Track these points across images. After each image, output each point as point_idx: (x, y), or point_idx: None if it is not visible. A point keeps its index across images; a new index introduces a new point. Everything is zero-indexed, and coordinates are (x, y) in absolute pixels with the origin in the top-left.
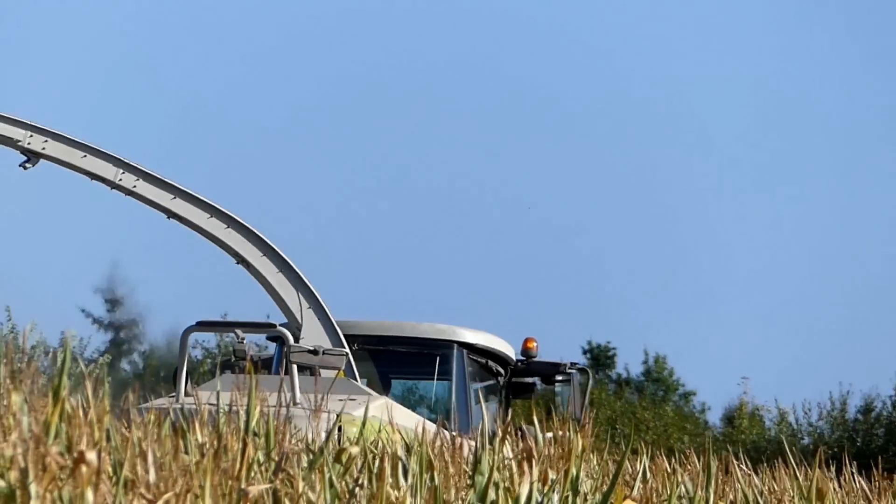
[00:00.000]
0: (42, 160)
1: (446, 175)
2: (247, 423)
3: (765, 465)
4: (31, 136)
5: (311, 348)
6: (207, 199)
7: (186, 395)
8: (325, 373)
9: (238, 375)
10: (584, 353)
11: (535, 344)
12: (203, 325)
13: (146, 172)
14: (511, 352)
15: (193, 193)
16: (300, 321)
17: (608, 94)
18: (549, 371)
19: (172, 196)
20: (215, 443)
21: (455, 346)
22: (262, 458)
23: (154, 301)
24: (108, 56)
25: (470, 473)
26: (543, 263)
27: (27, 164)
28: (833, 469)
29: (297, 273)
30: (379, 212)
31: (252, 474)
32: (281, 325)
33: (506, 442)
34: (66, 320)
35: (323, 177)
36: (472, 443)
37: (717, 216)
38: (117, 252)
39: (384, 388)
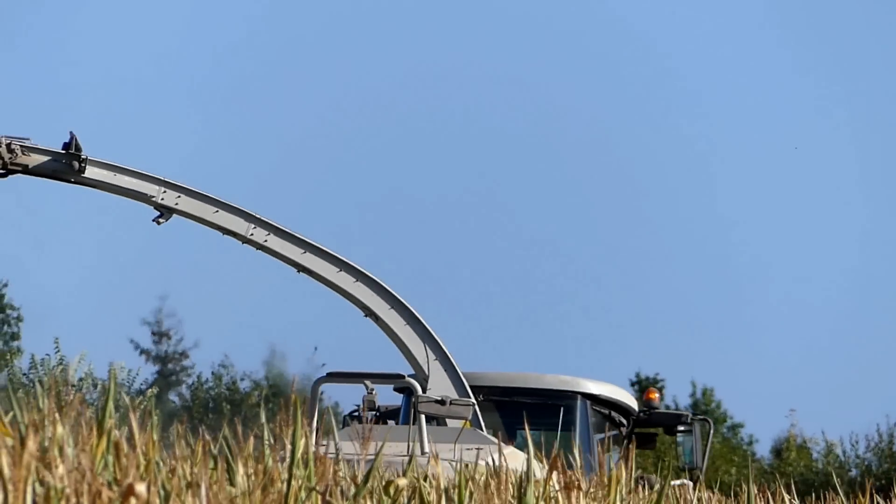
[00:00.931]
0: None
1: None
2: (292, 454)
3: (813, 497)
4: (165, 191)
5: (439, 398)
6: (336, 253)
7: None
8: (451, 423)
9: (366, 426)
10: (632, 384)
11: (656, 395)
12: (333, 377)
13: (276, 227)
14: (633, 402)
15: (323, 248)
16: (427, 373)
17: (656, 131)
18: (671, 421)
19: (303, 250)
20: (261, 475)
21: (579, 397)
22: (304, 493)
23: (201, 334)
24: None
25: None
26: (592, 295)
27: (160, 220)
28: (881, 501)
29: (423, 325)
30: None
31: None
32: (409, 376)
33: (553, 474)
34: (115, 352)
35: (443, 231)
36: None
37: (765, 248)
38: (165, 285)
39: (509, 439)
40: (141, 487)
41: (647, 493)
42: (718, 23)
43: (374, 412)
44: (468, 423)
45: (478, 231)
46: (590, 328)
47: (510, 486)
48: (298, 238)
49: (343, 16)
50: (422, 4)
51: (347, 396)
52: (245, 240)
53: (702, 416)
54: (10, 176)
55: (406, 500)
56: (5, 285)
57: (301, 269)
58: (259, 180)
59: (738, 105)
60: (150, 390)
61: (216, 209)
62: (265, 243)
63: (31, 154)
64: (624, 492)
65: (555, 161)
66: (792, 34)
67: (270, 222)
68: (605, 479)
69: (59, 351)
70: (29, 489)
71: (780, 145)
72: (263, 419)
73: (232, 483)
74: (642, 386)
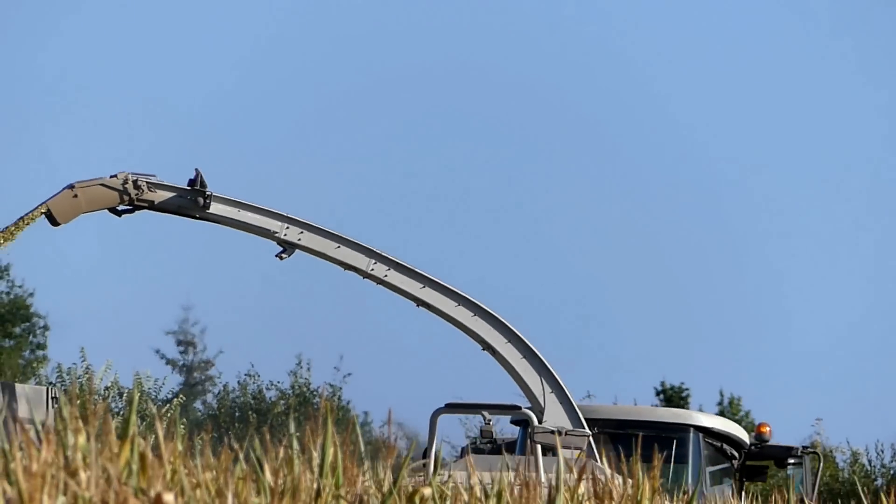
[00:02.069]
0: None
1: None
2: (321, 463)
3: None
4: (288, 227)
5: (554, 429)
6: (455, 287)
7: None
8: (566, 454)
9: (486, 456)
10: (657, 393)
11: (768, 429)
12: (451, 407)
13: (396, 262)
14: (745, 436)
15: (441, 282)
16: (543, 405)
17: (680, 139)
18: (782, 454)
19: (422, 285)
20: (288, 482)
21: (692, 430)
22: (331, 500)
23: (225, 343)
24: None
25: None
26: (619, 304)
27: (283, 255)
28: None
29: (539, 359)
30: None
31: None
32: (525, 408)
33: (581, 484)
34: (141, 361)
35: (465, 231)
36: None
37: (790, 256)
38: (189, 295)
39: (622, 471)
40: (169, 497)
41: None
42: (736, 24)
43: (490, 442)
44: (583, 453)
45: (507, 236)
46: (616, 337)
47: (539, 499)
48: (417, 273)
49: (343, 16)
50: (429, 5)
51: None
52: (366, 275)
53: (812, 450)
54: (136, 212)
55: None
56: (31, 294)
57: (420, 303)
58: (306, 185)
59: (764, 114)
60: (175, 399)
61: (338, 245)
62: (385, 278)
63: (156, 190)
64: None
65: (577, 169)
66: (809, 31)
67: (391, 258)
68: None
69: (84, 360)
70: (46, 498)
71: (806, 153)
72: (293, 428)
73: (259, 492)
74: (667, 395)
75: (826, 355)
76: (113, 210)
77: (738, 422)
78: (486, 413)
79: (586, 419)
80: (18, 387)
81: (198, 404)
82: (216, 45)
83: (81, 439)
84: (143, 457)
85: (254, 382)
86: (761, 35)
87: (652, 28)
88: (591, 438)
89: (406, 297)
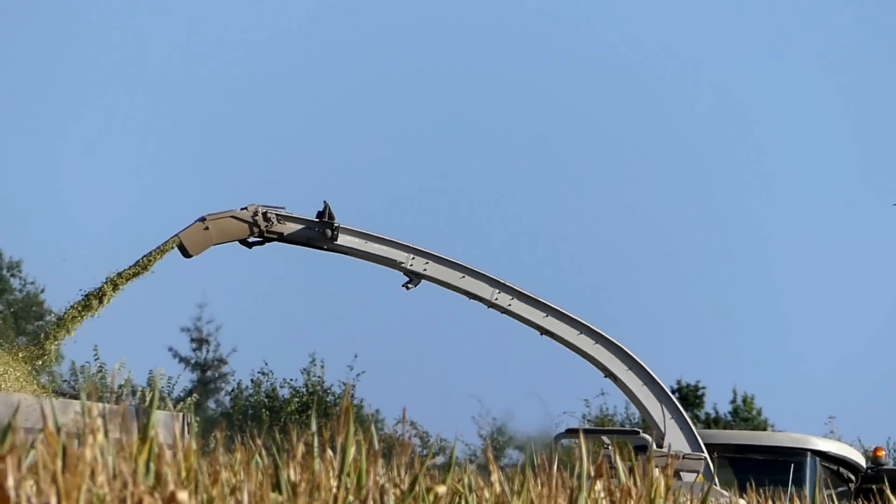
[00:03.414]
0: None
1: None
2: (341, 462)
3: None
4: (414, 258)
5: (672, 453)
6: (576, 316)
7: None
8: (685, 477)
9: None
10: (673, 392)
11: (884, 452)
12: (572, 433)
13: (520, 292)
14: (861, 459)
15: (563, 311)
16: (663, 430)
17: (695, 138)
18: None
19: (544, 314)
20: (308, 481)
21: (809, 454)
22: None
23: (239, 341)
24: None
25: None
26: (633, 302)
27: (409, 285)
28: None
29: (659, 385)
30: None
31: None
32: (645, 432)
33: (598, 482)
34: (154, 359)
35: (480, 236)
36: None
37: (805, 255)
38: (203, 292)
39: (741, 494)
40: (183, 495)
41: None
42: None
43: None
44: (701, 477)
45: (517, 236)
46: (631, 336)
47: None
48: (540, 302)
49: (344, 17)
50: (436, 7)
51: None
52: (490, 304)
53: None
54: (266, 244)
55: None
56: (43, 291)
57: (543, 331)
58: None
59: (778, 114)
60: (189, 398)
61: (462, 275)
62: (509, 307)
63: (285, 222)
64: None
65: (591, 167)
66: (809, 29)
67: (514, 287)
68: None
69: (98, 358)
70: (83, 497)
71: (820, 152)
72: (314, 427)
73: (278, 490)
74: (683, 393)
75: (841, 354)
76: (243, 241)
77: (752, 420)
78: (605, 438)
79: (706, 444)
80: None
81: (211, 403)
82: (216, 46)
83: (101, 438)
84: (159, 456)
85: (267, 380)
86: (763, 31)
87: (651, 25)
88: (709, 462)
89: (529, 325)
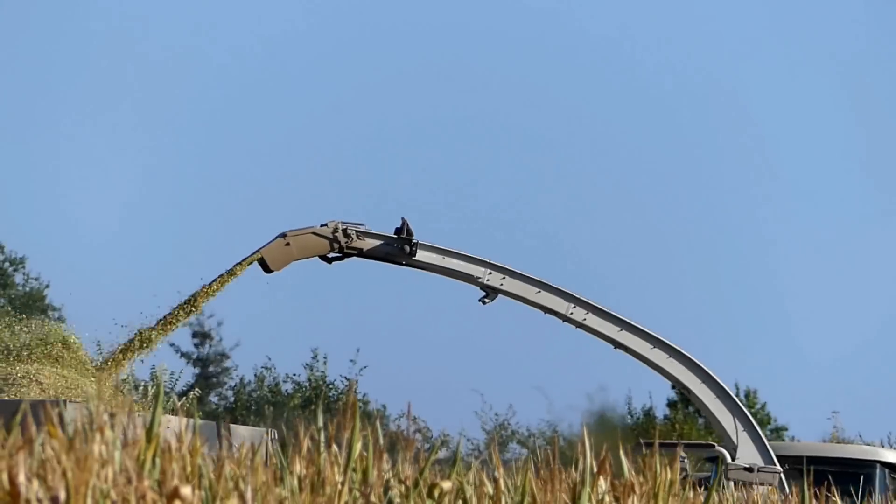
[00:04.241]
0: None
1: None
2: (347, 457)
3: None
4: (490, 273)
5: (747, 466)
6: (651, 330)
7: None
8: (759, 489)
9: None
10: (673, 387)
11: None
12: (646, 445)
13: (595, 306)
14: None
15: (637, 325)
16: (736, 442)
17: (700, 137)
18: None
19: (619, 328)
20: (314, 476)
21: (878, 465)
22: (356, 494)
23: (242, 336)
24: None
25: None
26: (635, 298)
27: (486, 300)
28: None
29: (732, 399)
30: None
31: None
32: (720, 445)
33: (601, 478)
34: (156, 354)
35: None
36: None
37: (808, 251)
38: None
39: None
40: (186, 490)
41: None
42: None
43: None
44: (774, 489)
45: (517, 234)
46: None
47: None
48: (614, 316)
49: (342, 17)
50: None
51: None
52: (565, 318)
53: None
54: (346, 259)
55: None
56: (47, 286)
57: (617, 345)
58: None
59: (782, 113)
60: (191, 392)
61: (538, 290)
62: (584, 321)
63: (365, 238)
64: None
65: (594, 166)
66: (810, 24)
67: (590, 302)
68: None
69: (101, 353)
70: (90, 492)
71: (823, 150)
72: (320, 422)
73: (281, 482)
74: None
75: (843, 350)
76: (323, 257)
77: (754, 415)
78: (679, 450)
79: (777, 456)
80: (241, 428)
81: (213, 397)
82: (217, 48)
83: (109, 433)
84: (163, 451)
85: (270, 375)
86: (762, 29)
87: (651, 25)
88: (782, 475)
89: (604, 339)
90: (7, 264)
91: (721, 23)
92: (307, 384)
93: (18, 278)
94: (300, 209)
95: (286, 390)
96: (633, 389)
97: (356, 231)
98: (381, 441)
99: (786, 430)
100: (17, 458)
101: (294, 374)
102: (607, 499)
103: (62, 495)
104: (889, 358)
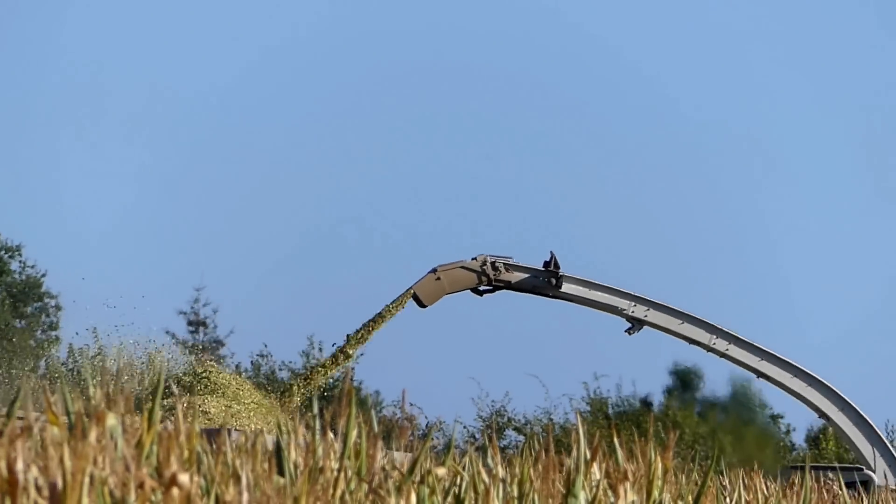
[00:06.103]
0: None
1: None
2: (343, 445)
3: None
4: (635, 305)
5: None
6: (790, 359)
7: None
8: None
9: None
10: (670, 374)
11: None
12: (794, 469)
13: (735, 336)
14: None
15: (778, 355)
16: (874, 467)
17: (704, 128)
18: None
19: (760, 358)
20: (310, 464)
21: None
22: (354, 481)
23: (238, 324)
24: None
25: (564, 493)
26: (633, 286)
27: (631, 331)
28: None
29: (870, 426)
30: None
31: (343, 495)
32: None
33: (594, 465)
34: (153, 340)
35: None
36: None
37: (808, 239)
38: (201, 275)
39: None
40: (184, 477)
41: None
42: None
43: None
44: None
45: (517, 233)
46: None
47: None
48: (755, 346)
49: (343, 17)
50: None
51: None
52: (708, 349)
53: None
54: (496, 291)
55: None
56: (44, 275)
57: (759, 374)
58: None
59: (781, 102)
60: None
61: (681, 321)
62: (727, 352)
63: (513, 271)
64: None
65: (588, 164)
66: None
67: (731, 332)
68: None
69: (97, 340)
70: (87, 480)
71: (823, 141)
72: (316, 409)
73: (280, 472)
74: (679, 375)
75: (839, 337)
76: (474, 290)
77: (748, 405)
78: (829, 473)
79: None
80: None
81: None
82: (218, 49)
83: (111, 421)
84: (162, 439)
85: (266, 363)
86: (767, 22)
87: (651, 22)
88: None
89: (746, 368)
90: (3, 252)
91: (721, 18)
92: (304, 372)
93: (15, 266)
94: (300, 209)
95: (282, 378)
96: (629, 378)
97: (504, 264)
98: (375, 428)
99: (781, 417)
100: (15, 444)
101: (290, 362)
102: (602, 485)
103: (60, 482)
104: (887, 343)
